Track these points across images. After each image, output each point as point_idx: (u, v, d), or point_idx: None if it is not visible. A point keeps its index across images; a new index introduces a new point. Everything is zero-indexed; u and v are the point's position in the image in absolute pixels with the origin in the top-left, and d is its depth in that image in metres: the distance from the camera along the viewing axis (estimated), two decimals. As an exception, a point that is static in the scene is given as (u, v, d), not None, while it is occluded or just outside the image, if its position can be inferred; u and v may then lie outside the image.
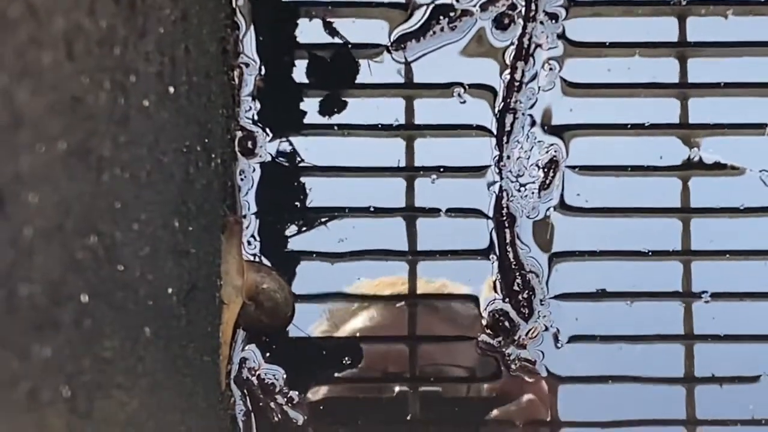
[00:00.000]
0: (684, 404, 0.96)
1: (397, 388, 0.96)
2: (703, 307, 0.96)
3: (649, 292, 0.96)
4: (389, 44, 0.97)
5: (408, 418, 0.96)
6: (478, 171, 0.96)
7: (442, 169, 0.97)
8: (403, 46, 0.96)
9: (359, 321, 0.97)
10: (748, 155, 0.97)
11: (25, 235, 0.51)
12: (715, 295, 0.96)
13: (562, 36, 0.96)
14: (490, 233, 0.96)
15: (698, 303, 0.96)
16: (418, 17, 0.97)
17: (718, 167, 0.97)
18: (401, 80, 0.97)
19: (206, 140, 0.85)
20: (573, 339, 0.96)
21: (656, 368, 0.96)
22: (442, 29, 0.96)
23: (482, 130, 0.96)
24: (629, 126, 0.97)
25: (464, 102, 0.96)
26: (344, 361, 0.96)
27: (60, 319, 0.55)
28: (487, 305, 0.96)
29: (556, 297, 0.96)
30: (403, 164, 0.97)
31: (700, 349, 0.96)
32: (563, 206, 0.96)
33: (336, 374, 0.96)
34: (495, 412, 0.95)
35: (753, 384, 0.95)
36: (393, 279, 0.97)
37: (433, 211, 0.97)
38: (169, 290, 0.76)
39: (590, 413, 0.96)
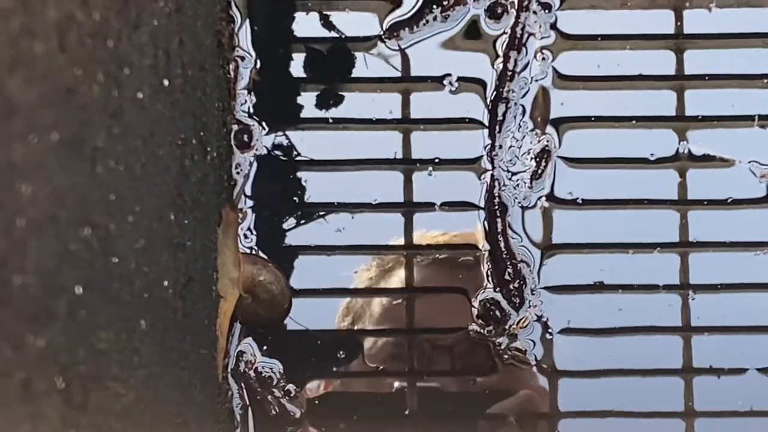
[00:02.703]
0: (682, 396, 0.96)
1: (395, 383, 0.96)
2: (689, 301, 0.96)
3: (641, 285, 0.96)
4: (382, 33, 0.97)
5: (406, 412, 0.96)
6: (474, 162, 0.96)
7: (437, 160, 0.97)
8: (396, 34, 0.96)
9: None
10: (737, 147, 0.97)
11: (18, 225, 0.51)
12: (700, 288, 0.96)
13: (554, 26, 0.96)
14: (483, 222, 0.96)
15: (686, 296, 0.96)
16: (411, 5, 0.97)
17: (707, 159, 0.97)
18: (396, 72, 0.97)
19: (202, 133, 0.85)
20: (564, 329, 0.96)
21: (650, 359, 0.96)
22: (435, 18, 0.96)
23: (475, 122, 0.97)
24: (616, 119, 0.97)
25: (456, 90, 0.96)
26: (339, 355, 0.96)
27: (54, 309, 0.55)
28: (478, 294, 0.96)
29: (548, 288, 0.96)
30: (399, 156, 0.97)
31: (683, 340, 0.96)
32: (554, 199, 0.96)
33: (334, 368, 0.96)
34: (493, 406, 0.95)
35: (742, 376, 0.96)
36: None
37: (428, 205, 0.97)
38: (165, 283, 0.76)
39: (588, 405, 0.96)
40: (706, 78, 0.97)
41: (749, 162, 0.96)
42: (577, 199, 0.96)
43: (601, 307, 0.96)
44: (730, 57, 0.97)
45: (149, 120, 0.71)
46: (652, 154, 0.97)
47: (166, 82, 0.74)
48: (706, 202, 0.97)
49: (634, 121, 0.97)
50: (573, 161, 0.96)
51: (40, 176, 0.53)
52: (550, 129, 0.96)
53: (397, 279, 0.97)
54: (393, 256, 0.98)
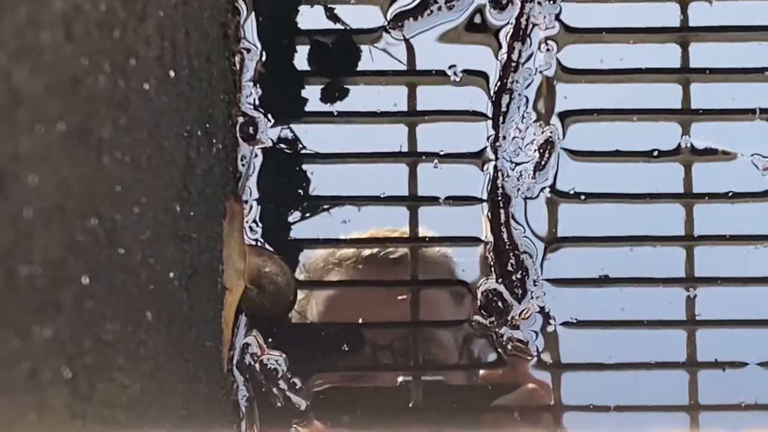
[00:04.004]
0: (686, 389, 0.96)
1: (400, 377, 0.96)
2: (693, 294, 0.96)
3: (644, 278, 0.96)
4: (387, 23, 0.97)
5: (410, 405, 0.96)
6: (480, 155, 0.96)
7: (442, 152, 0.97)
8: (400, 24, 0.96)
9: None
10: (740, 140, 0.97)
11: (25, 215, 0.51)
12: (702, 281, 0.96)
13: (559, 17, 0.96)
14: (486, 214, 0.96)
15: (690, 289, 0.96)
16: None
17: (709, 153, 0.97)
18: (401, 65, 0.97)
19: (207, 125, 0.85)
20: (566, 322, 0.96)
21: (654, 352, 0.96)
22: (439, 8, 0.96)
23: (479, 115, 0.97)
24: (617, 112, 0.97)
25: (460, 81, 0.96)
26: (343, 348, 0.96)
27: (61, 300, 0.55)
28: (480, 285, 0.96)
29: (551, 280, 0.96)
30: (405, 149, 0.97)
31: (687, 333, 0.96)
32: (557, 193, 0.96)
33: (339, 361, 0.96)
34: (497, 400, 0.95)
35: (745, 369, 0.96)
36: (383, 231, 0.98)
37: (433, 199, 0.97)
38: (171, 275, 0.76)
39: (593, 397, 0.96)
40: (707, 72, 0.97)
41: (752, 155, 0.96)
42: (581, 195, 0.96)
43: (605, 300, 0.96)
44: (733, 50, 0.97)
45: (155, 111, 0.71)
46: (655, 150, 0.97)
47: (172, 74, 0.74)
48: (706, 197, 0.96)
49: (635, 118, 0.97)
50: (576, 154, 0.96)
51: (47, 167, 0.53)
52: (554, 120, 0.96)
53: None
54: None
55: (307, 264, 0.97)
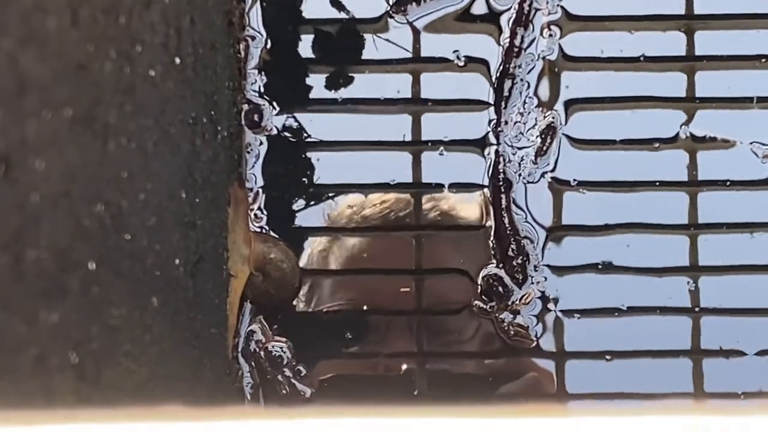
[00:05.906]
0: (691, 377, 0.96)
1: (404, 365, 0.96)
2: (696, 281, 0.96)
3: (645, 268, 0.96)
4: (389, 7, 0.97)
5: (415, 393, 0.96)
6: (484, 141, 0.96)
7: (446, 138, 0.97)
8: (403, 9, 0.96)
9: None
10: (739, 128, 0.97)
11: (32, 200, 0.51)
12: (706, 269, 0.96)
13: (561, 2, 0.96)
14: (487, 199, 0.96)
15: (696, 277, 0.96)
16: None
17: (709, 141, 0.97)
18: (405, 52, 0.97)
19: (212, 112, 0.85)
20: (567, 308, 0.96)
21: (657, 340, 0.96)
22: (442, -8, 0.96)
23: (483, 103, 0.97)
24: (617, 100, 0.97)
25: (464, 66, 0.96)
26: (347, 336, 0.96)
27: (67, 285, 0.56)
28: (481, 270, 0.96)
29: (554, 268, 0.96)
30: (409, 137, 0.97)
31: (692, 321, 0.96)
32: (558, 181, 0.96)
33: (344, 349, 0.96)
34: (501, 388, 0.96)
35: (748, 357, 0.96)
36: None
37: (438, 187, 0.97)
38: (177, 261, 0.76)
39: (595, 385, 0.96)
40: (704, 60, 0.97)
41: (751, 143, 0.96)
42: (582, 183, 0.96)
43: (607, 288, 0.96)
44: (731, 38, 0.97)
45: (161, 98, 0.71)
46: (655, 138, 0.97)
47: (177, 61, 0.75)
48: (704, 186, 0.96)
49: (635, 107, 0.97)
50: (578, 141, 0.96)
51: (53, 152, 0.53)
52: (556, 106, 0.96)
53: (345, 248, 0.97)
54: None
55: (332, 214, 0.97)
